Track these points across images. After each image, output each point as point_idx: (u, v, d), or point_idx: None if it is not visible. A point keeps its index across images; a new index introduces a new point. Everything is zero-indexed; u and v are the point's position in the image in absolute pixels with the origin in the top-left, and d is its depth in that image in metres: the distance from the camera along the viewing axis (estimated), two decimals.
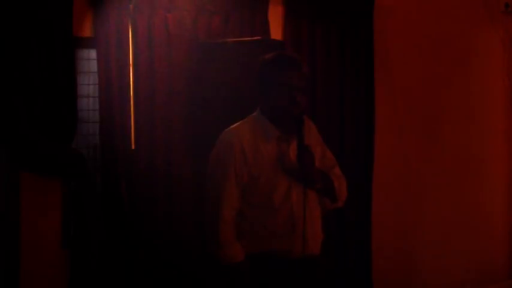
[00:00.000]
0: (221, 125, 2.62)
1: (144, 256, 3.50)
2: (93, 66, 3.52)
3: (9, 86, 3.20)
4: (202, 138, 3.26)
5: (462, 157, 4.44)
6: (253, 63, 2.64)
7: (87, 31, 3.47)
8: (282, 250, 2.45)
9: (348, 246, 3.97)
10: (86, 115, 3.60)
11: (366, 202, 4.03)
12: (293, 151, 2.46)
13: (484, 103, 4.53)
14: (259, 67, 2.51)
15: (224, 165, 2.45)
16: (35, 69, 3.25)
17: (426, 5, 4.27)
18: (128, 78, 3.48)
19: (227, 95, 3.32)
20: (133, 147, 3.50)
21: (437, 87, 4.34)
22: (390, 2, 4.12)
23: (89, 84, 3.61)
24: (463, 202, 4.44)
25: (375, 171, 4.05)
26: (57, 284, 3.43)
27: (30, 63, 3.24)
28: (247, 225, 2.47)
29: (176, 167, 3.55)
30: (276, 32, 3.80)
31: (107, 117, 3.46)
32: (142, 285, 3.50)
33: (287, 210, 2.45)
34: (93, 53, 3.53)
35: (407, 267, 4.30)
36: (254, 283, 2.46)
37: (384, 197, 4.13)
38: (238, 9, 3.66)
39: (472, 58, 4.46)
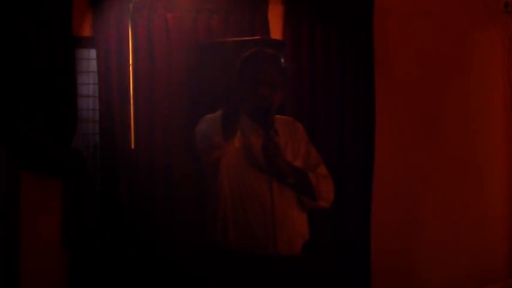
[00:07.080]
0: None
1: (144, 256, 3.50)
2: (93, 65, 3.52)
3: (9, 86, 3.19)
4: None
5: (462, 157, 4.44)
6: None
7: (87, 31, 3.47)
8: (257, 248, 2.44)
9: (347, 245, 3.97)
10: (86, 115, 3.60)
11: (365, 202, 4.03)
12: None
13: (484, 103, 4.53)
14: (237, 65, 2.54)
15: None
16: (34, 69, 3.24)
17: (426, 5, 4.28)
18: (128, 78, 3.48)
19: (227, 95, 3.31)
20: (133, 147, 3.50)
21: (437, 87, 4.34)
22: (390, 2, 4.12)
23: (88, 83, 3.60)
24: (463, 202, 4.44)
25: (375, 171, 4.05)
26: (57, 284, 3.43)
27: (30, 63, 3.23)
28: (236, 216, 2.46)
29: (176, 167, 3.55)
30: (275, 31, 3.80)
31: (106, 117, 3.46)
32: (142, 285, 3.49)
33: (259, 207, 2.44)
34: (93, 53, 3.52)
35: (406, 267, 4.30)
36: (233, 280, 2.46)
37: (384, 197, 4.13)
38: (238, 9, 3.66)
39: (472, 58, 4.46)
